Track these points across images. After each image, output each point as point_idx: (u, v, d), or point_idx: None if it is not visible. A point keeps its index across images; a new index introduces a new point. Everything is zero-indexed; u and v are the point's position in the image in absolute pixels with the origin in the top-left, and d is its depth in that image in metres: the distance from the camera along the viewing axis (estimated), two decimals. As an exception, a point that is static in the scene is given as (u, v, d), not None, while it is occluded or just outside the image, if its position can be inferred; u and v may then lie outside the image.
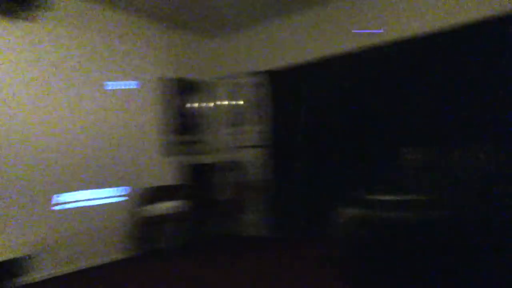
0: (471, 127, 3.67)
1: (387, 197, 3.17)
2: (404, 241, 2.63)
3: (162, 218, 4.23)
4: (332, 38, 4.56)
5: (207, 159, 5.22)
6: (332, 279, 3.01)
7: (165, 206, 4.28)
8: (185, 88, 5.09)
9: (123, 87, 4.40)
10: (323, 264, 3.46)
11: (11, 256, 3.30)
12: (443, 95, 3.88)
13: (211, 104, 5.45)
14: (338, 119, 4.60)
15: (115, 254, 4.16)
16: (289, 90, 4.95)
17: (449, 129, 3.82)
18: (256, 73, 5.12)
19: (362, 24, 4.34)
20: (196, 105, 5.27)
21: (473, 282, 2.46)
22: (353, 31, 4.38)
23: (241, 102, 5.29)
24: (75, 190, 3.91)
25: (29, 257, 3.44)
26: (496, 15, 3.49)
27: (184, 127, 5.02)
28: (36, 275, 3.50)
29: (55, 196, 3.74)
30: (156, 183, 4.57)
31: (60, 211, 3.77)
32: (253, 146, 5.16)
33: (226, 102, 5.43)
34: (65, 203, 3.80)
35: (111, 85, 4.28)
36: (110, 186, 4.18)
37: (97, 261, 3.99)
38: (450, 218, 2.64)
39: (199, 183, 4.96)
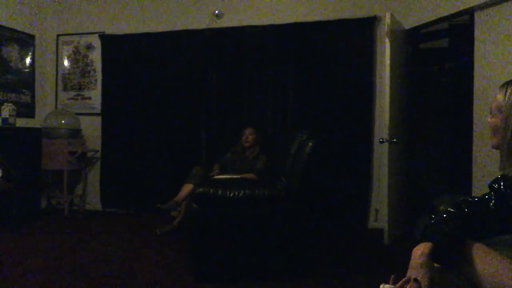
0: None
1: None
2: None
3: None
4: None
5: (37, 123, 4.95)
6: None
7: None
8: (16, 40, 4.74)
9: None
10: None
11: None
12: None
13: (48, 63, 5.19)
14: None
15: None
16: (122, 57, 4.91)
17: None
18: (102, 35, 4.98)
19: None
20: (28, 61, 4.92)
21: None
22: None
23: (83, 65, 5.07)
24: None
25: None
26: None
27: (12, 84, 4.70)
28: None
29: None
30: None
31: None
32: (92, 114, 5.04)
33: (66, 63, 5.13)
34: None
35: None
36: None
37: None
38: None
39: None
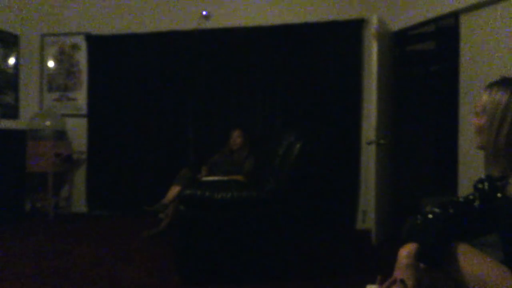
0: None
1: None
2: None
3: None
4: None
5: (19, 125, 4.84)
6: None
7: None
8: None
9: None
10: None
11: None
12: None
13: (33, 63, 5.07)
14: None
15: None
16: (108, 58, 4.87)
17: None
18: (88, 36, 4.92)
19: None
20: (12, 61, 4.81)
21: None
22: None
23: (68, 65, 5.00)
24: None
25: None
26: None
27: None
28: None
29: None
30: None
31: None
32: (78, 115, 4.97)
33: (51, 64, 5.04)
34: None
35: None
36: None
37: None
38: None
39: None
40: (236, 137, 4.09)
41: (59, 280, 2.68)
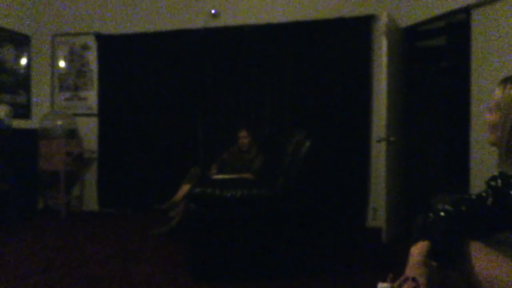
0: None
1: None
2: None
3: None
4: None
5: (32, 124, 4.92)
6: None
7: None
8: (11, 41, 4.71)
9: None
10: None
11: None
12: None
13: (44, 64, 5.13)
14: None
15: None
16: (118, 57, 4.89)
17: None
18: (98, 36, 4.95)
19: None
20: (24, 62, 4.89)
21: None
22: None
23: (79, 65, 5.04)
24: None
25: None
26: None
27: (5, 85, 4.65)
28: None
29: None
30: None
31: None
32: (89, 114, 5.02)
33: (62, 64, 5.09)
34: None
35: None
36: None
37: None
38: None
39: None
40: (243, 138, 4.08)
41: (71, 277, 2.71)
